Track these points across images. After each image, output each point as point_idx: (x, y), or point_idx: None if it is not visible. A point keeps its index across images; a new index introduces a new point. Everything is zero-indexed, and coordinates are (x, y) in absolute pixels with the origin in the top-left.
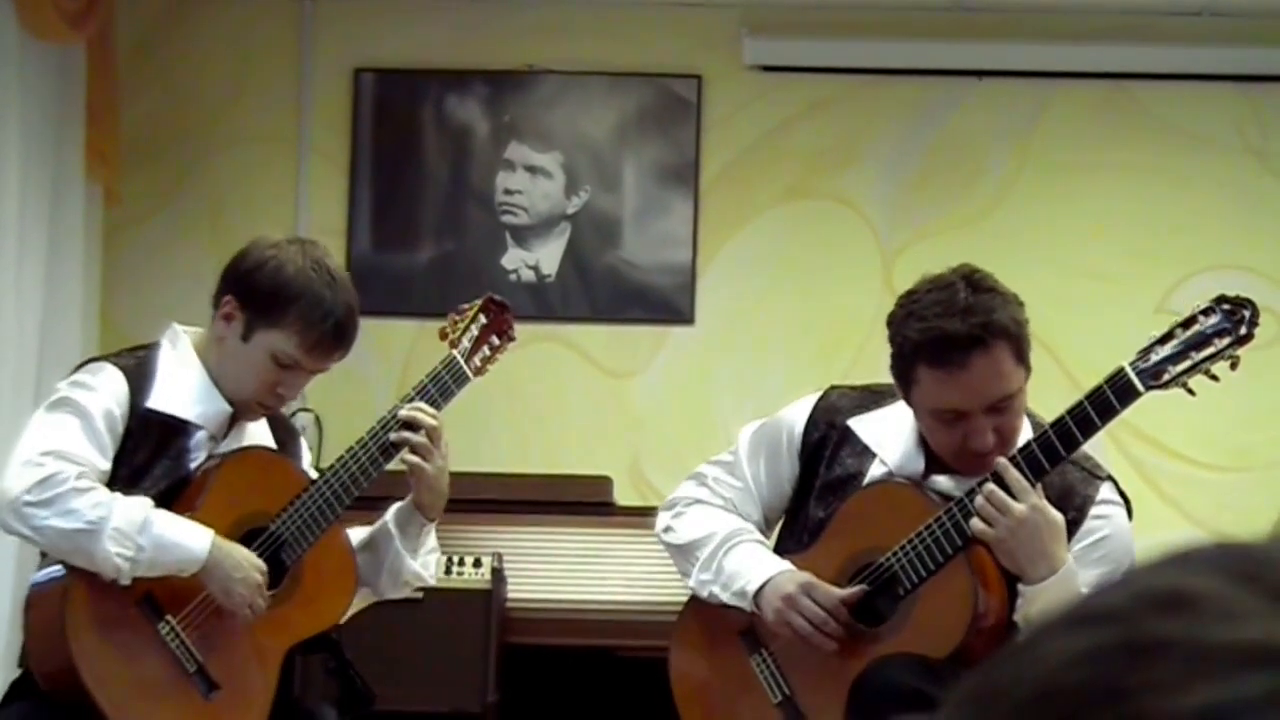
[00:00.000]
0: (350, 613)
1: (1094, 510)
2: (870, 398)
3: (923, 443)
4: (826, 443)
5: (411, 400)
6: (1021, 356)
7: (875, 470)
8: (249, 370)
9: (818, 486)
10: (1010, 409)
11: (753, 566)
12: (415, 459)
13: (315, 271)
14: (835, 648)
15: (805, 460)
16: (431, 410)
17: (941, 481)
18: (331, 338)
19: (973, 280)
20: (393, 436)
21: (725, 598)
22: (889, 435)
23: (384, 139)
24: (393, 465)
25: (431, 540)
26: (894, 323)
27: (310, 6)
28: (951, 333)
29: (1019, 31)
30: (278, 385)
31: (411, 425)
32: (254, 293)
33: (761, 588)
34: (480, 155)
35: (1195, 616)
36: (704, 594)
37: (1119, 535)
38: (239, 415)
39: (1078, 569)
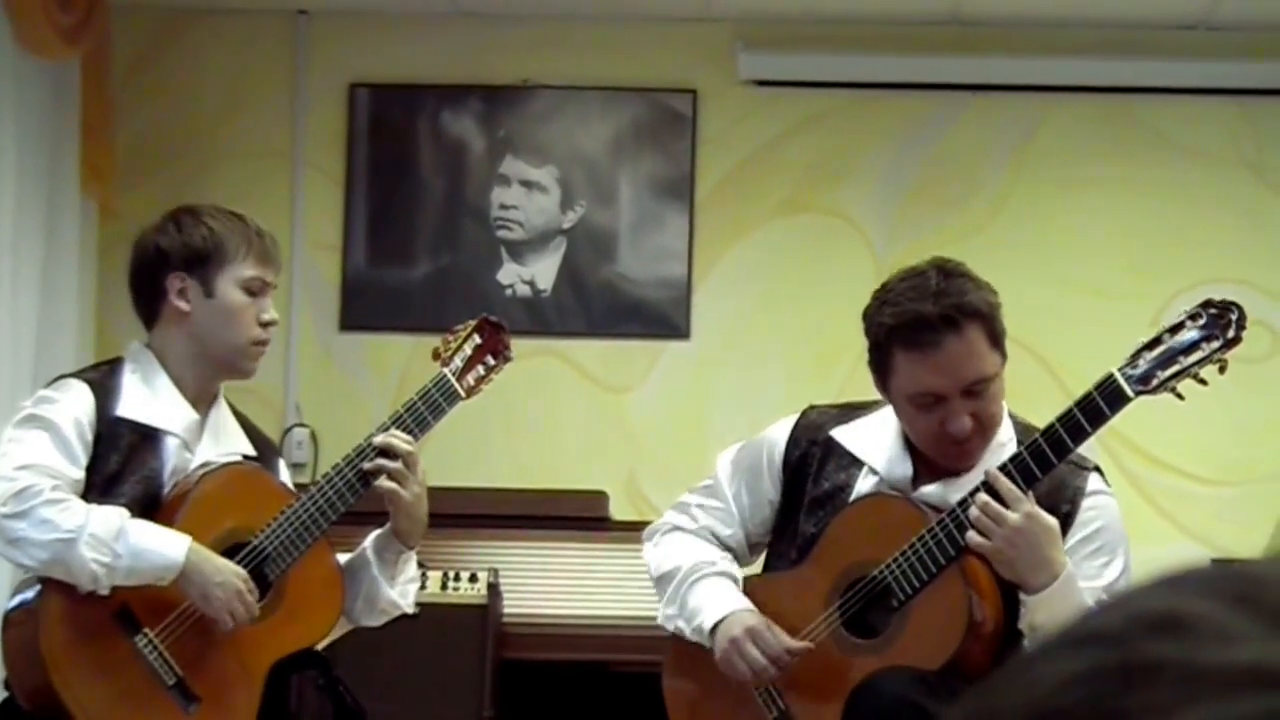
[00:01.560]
0: (329, 639)
1: (1086, 502)
2: (850, 411)
3: (908, 446)
4: (810, 459)
5: (388, 428)
6: (995, 341)
7: (863, 480)
8: (230, 315)
9: (806, 502)
10: (986, 394)
11: (711, 603)
12: (391, 485)
13: (210, 211)
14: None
15: (789, 478)
16: (407, 438)
17: (931, 491)
18: (272, 243)
19: (945, 268)
20: (368, 465)
21: (688, 633)
22: (873, 442)
23: (379, 154)
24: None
25: (411, 570)
26: (869, 314)
27: (305, 22)
28: (924, 314)
29: (1015, 46)
30: (260, 313)
31: (387, 452)
32: (192, 255)
33: (717, 625)
34: (476, 170)
35: (1191, 639)
36: (670, 628)
37: (1112, 524)
38: (234, 375)
39: (1077, 562)
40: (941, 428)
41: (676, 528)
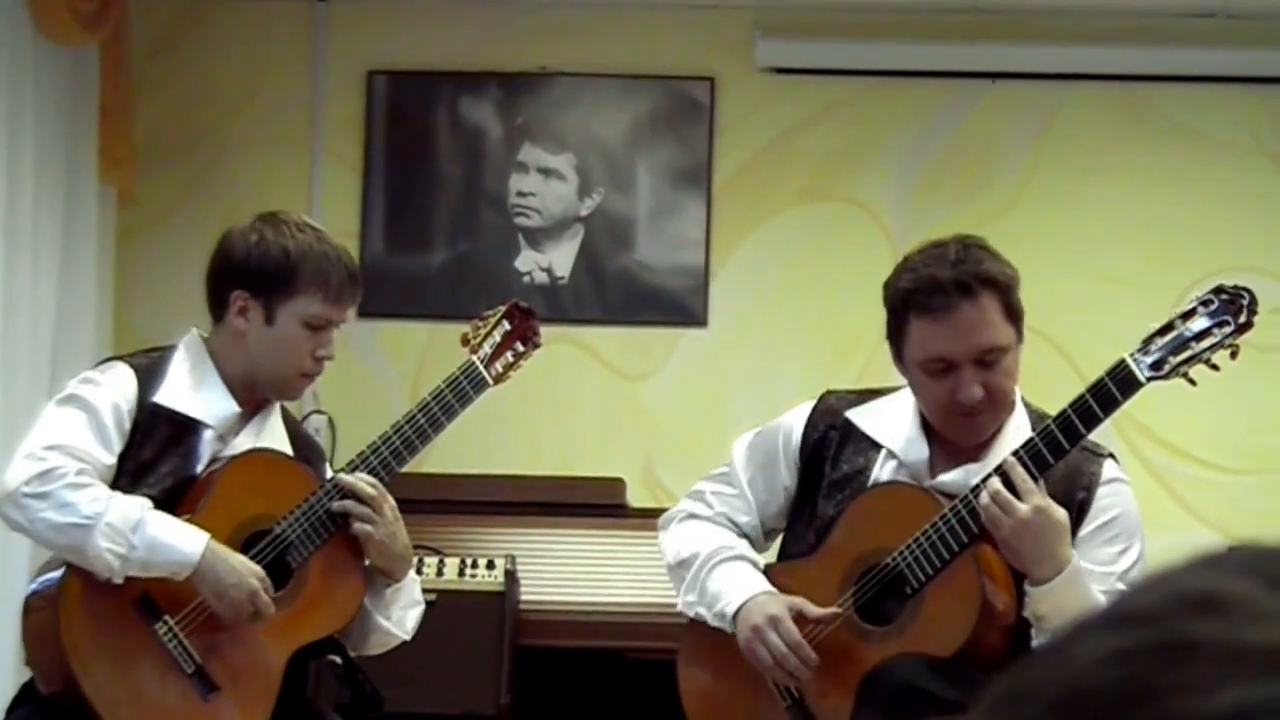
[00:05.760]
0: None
1: (1102, 489)
2: (867, 395)
3: (925, 428)
4: (828, 442)
5: (413, 418)
6: (1011, 314)
7: (881, 464)
8: (286, 347)
9: (825, 485)
10: (999, 366)
11: (732, 587)
12: (363, 528)
13: (301, 232)
14: (809, 675)
15: (807, 462)
16: (370, 479)
17: (949, 479)
18: (348, 282)
19: (966, 241)
20: (334, 506)
21: (710, 619)
22: (890, 423)
23: (397, 141)
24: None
25: (409, 596)
26: (888, 282)
27: (323, 9)
28: (939, 278)
29: (1033, 34)
30: (316, 349)
31: (351, 494)
32: (261, 276)
33: (739, 610)
34: (493, 157)
35: (1227, 618)
36: (691, 614)
37: (1128, 512)
38: (279, 397)
39: (1091, 549)
40: (952, 396)
41: (692, 515)
